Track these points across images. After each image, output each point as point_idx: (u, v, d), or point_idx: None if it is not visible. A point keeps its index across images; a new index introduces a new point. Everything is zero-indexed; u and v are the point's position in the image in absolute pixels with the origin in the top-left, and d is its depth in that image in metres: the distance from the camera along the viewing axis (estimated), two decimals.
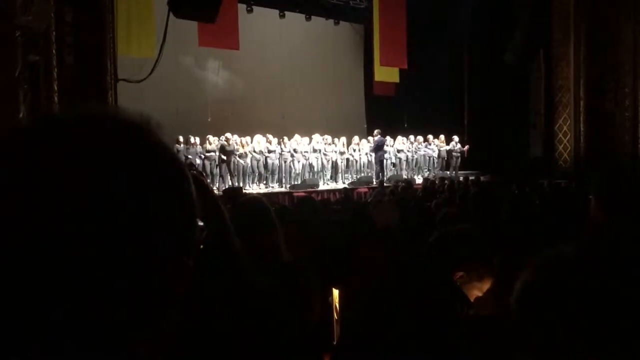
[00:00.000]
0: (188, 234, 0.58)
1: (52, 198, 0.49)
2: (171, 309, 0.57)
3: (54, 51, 7.77)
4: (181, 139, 13.35)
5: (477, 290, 1.81)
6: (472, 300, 1.80)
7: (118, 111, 0.59)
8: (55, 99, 7.70)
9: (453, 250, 1.86)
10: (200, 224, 0.60)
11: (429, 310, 1.55)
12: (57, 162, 0.51)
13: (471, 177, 12.56)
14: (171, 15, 11.03)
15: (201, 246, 0.60)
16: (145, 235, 0.53)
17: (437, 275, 1.79)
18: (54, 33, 7.78)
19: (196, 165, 12.30)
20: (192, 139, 13.56)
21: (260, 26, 16.84)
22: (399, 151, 16.57)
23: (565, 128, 14.93)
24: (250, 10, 16.53)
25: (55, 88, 7.76)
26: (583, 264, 0.78)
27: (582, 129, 14.47)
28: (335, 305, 3.46)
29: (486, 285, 1.82)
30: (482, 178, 12.63)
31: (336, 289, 3.48)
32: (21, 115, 6.04)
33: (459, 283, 1.79)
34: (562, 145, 15.04)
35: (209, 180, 12.06)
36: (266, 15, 17.24)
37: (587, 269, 0.77)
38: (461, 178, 13.23)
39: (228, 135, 13.70)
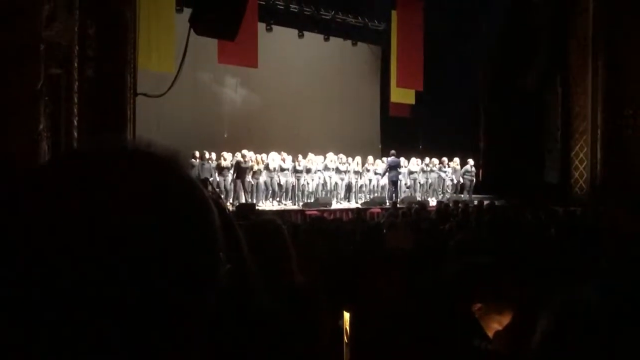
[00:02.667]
0: (212, 270, 0.58)
1: (81, 236, 0.49)
2: (192, 347, 0.56)
3: (75, 64, 7.88)
4: (197, 154, 13.43)
5: (496, 324, 1.77)
6: (490, 334, 1.76)
7: (148, 145, 0.58)
8: (75, 111, 7.79)
9: (472, 282, 1.82)
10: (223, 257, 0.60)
11: (445, 342, 1.52)
12: (90, 201, 0.51)
13: (486, 202, 12.45)
14: (192, 32, 11.18)
15: (223, 282, 0.59)
16: (171, 271, 0.53)
17: (455, 306, 1.75)
18: (76, 47, 7.90)
19: (212, 180, 12.36)
20: (207, 154, 13.64)
21: (279, 45, 17.00)
22: (412, 172, 16.52)
23: (581, 155, 14.78)
24: (269, 30, 16.73)
25: (76, 101, 7.86)
26: (607, 310, 0.76)
27: (598, 157, 14.31)
28: (346, 328, 3.42)
29: (505, 319, 1.78)
30: (496, 202, 12.52)
31: (347, 312, 3.44)
32: (41, 127, 6.12)
33: (477, 315, 1.75)
34: (578, 173, 14.88)
35: (222, 196, 12.11)
36: (285, 35, 17.42)
37: (611, 314, 0.75)
38: (475, 202, 13.13)
39: (245, 151, 13.76)
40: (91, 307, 0.49)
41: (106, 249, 0.50)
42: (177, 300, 0.53)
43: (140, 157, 0.57)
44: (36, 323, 0.49)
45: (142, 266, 0.51)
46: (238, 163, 13.65)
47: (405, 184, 16.48)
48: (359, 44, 19.12)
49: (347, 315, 3.41)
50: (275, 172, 14.19)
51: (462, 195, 16.35)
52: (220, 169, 13.63)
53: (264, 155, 14.22)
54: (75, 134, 7.74)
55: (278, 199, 14.53)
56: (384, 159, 16.36)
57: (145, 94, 11.23)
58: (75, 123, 7.79)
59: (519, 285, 1.86)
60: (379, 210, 14.14)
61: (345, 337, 3.37)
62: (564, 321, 0.78)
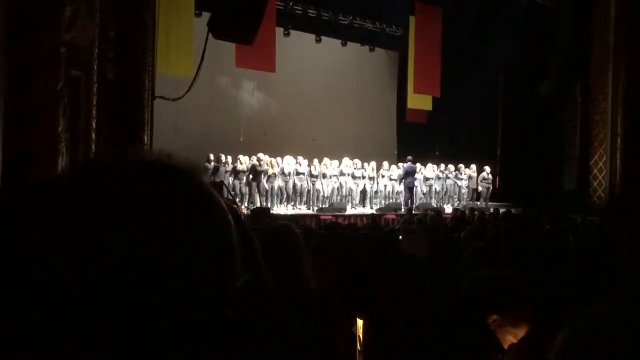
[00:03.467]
0: (230, 284, 0.58)
1: (99, 250, 0.49)
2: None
3: (95, 67, 7.97)
4: (212, 157, 13.49)
5: (511, 336, 1.75)
6: (505, 346, 1.73)
7: (169, 157, 0.58)
8: (94, 113, 7.87)
9: (488, 293, 1.80)
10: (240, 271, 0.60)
11: (459, 353, 1.50)
12: (109, 213, 0.51)
13: (502, 210, 12.34)
14: (210, 36, 11.26)
15: (240, 296, 0.59)
16: (189, 286, 0.53)
17: (470, 316, 1.74)
18: (97, 50, 7.99)
19: (226, 184, 12.40)
20: (222, 158, 13.71)
21: (296, 50, 17.06)
22: (428, 179, 16.44)
23: (600, 164, 14.56)
24: (287, 34, 16.79)
25: (95, 103, 7.94)
26: (629, 333, 0.74)
27: (618, 166, 14.08)
28: (359, 336, 3.40)
29: (521, 332, 1.76)
30: (513, 210, 12.40)
31: (360, 319, 3.42)
32: (60, 128, 6.19)
33: (492, 327, 1.73)
34: (597, 182, 14.67)
35: (237, 199, 12.14)
36: (303, 39, 17.46)
37: (635, 338, 0.73)
38: (491, 209, 13.02)
39: (260, 155, 13.80)
40: (107, 320, 0.49)
41: (124, 262, 0.49)
42: (195, 314, 0.53)
43: (161, 169, 0.57)
44: (53, 333, 0.49)
45: (160, 280, 0.51)
46: (254, 166, 13.70)
47: (421, 191, 16.41)
48: (377, 49, 19.10)
49: (360, 323, 3.39)
50: (291, 176, 14.21)
51: (478, 203, 16.23)
52: (236, 173, 13.69)
53: (279, 159, 14.25)
54: (94, 135, 7.82)
55: (293, 203, 14.54)
56: (400, 164, 16.30)
57: (163, 97, 11.33)
58: (94, 125, 7.87)
59: (536, 297, 1.84)
60: (394, 216, 14.09)
61: (359, 345, 3.35)
62: (582, 341, 0.76)
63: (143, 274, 0.50)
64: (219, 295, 0.56)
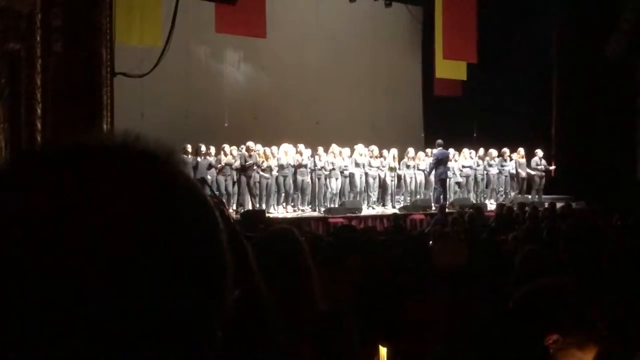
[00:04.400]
0: (219, 299, 0.58)
1: (54, 248, 0.50)
2: None
3: (38, 38, 7.98)
4: (189, 148, 13.50)
5: None
6: None
7: (137, 140, 0.58)
8: (38, 96, 7.89)
9: (546, 308, 1.81)
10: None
11: None
12: (66, 206, 0.52)
13: (559, 204, 12.34)
14: None
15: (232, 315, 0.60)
16: (167, 299, 0.53)
17: (523, 339, 1.75)
18: (39, 16, 8.00)
19: (209, 182, 12.44)
20: (203, 148, 13.73)
21: (292, 9, 17.06)
22: (464, 167, 16.45)
23: None
24: None
25: (39, 83, 7.95)
26: None
27: None
28: None
29: (589, 356, 1.77)
30: (573, 205, 12.41)
31: (383, 346, 3.45)
32: None
33: (552, 350, 1.75)
34: None
35: (224, 200, 12.16)
36: None
37: None
38: (546, 204, 13.02)
39: (250, 144, 13.82)
40: (62, 337, 0.50)
41: (81, 261, 0.50)
42: (178, 334, 0.54)
43: (128, 155, 0.57)
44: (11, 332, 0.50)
45: (129, 292, 0.51)
46: (242, 158, 13.73)
47: (456, 183, 16.41)
48: (394, 4, 19.04)
49: (383, 351, 3.41)
50: (289, 170, 14.23)
51: (529, 196, 16.23)
52: (221, 167, 13.72)
53: (274, 149, 14.27)
54: (39, 124, 7.84)
55: (293, 203, 14.57)
56: (429, 151, 16.30)
57: (125, 74, 11.35)
58: (39, 111, 7.89)
59: (607, 312, 1.84)
60: (422, 216, 14.11)
61: None
62: None
63: (103, 280, 0.50)
64: (206, 312, 0.56)
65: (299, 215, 13.78)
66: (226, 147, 13.90)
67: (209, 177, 13.27)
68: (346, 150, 15.10)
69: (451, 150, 16.14)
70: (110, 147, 0.57)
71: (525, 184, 16.83)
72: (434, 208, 14.59)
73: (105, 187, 0.53)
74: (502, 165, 16.82)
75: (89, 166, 0.54)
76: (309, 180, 14.53)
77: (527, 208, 11.62)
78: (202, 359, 0.57)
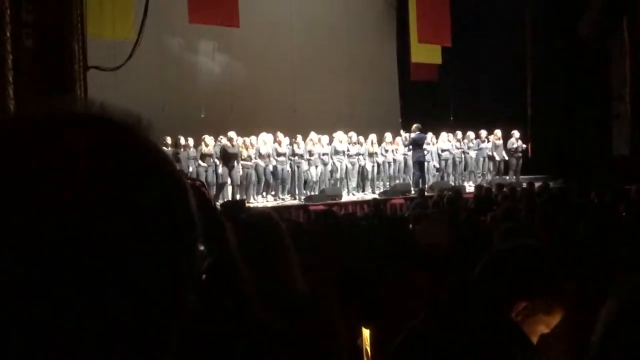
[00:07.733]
0: (188, 262, 0.59)
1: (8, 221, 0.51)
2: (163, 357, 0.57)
3: (8, 34, 7.89)
4: (169, 140, 13.44)
5: (544, 326, 1.76)
6: (534, 339, 1.75)
7: (101, 109, 0.59)
8: (10, 92, 7.81)
9: (512, 273, 1.79)
10: (202, 248, 0.61)
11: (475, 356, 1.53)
12: (27, 176, 0.52)
13: (537, 184, 12.45)
14: None
15: (203, 277, 0.61)
16: (133, 264, 0.54)
17: (488, 307, 1.75)
18: (9, 11, 7.91)
19: (190, 174, 12.40)
20: (182, 141, 13.65)
21: None
22: (443, 151, 16.52)
23: None
24: None
25: (10, 79, 7.87)
26: None
27: None
28: (366, 349, 3.45)
29: (555, 320, 1.78)
30: (551, 184, 12.52)
31: (366, 329, 3.48)
32: None
33: (521, 316, 1.74)
34: None
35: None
36: None
37: None
38: (524, 184, 13.12)
39: (231, 134, 13.74)
40: (40, 307, 0.51)
41: (41, 234, 0.50)
42: (143, 297, 0.54)
43: (93, 122, 0.58)
44: None
45: (104, 253, 0.52)
46: (224, 148, 13.65)
47: (434, 166, 16.48)
48: None
49: (366, 333, 3.45)
50: (269, 159, 14.20)
51: (507, 177, 16.35)
52: (202, 158, 13.66)
53: (252, 138, 14.22)
54: None
55: (273, 192, 14.55)
56: (406, 135, 16.32)
57: (98, 67, 11.23)
58: (12, 107, 7.81)
59: (576, 276, 1.85)
60: (402, 200, 14.17)
61: (365, 359, 3.41)
62: (633, 310, 0.79)
63: (79, 247, 0.51)
64: (176, 276, 0.57)
65: (280, 204, 13.76)
66: (206, 137, 13.83)
67: (190, 169, 13.25)
68: (325, 138, 15.07)
69: (429, 134, 16.19)
70: (77, 115, 0.58)
71: (503, 165, 16.94)
72: (413, 192, 14.65)
73: (73, 156, 0.53)
74: (479, 147, 16.90)
75: (58, 134, 0.55)
76: (288, 168, 14.52)
77: (505, 189, 11.72)
78: (173, 317, 0.58)
